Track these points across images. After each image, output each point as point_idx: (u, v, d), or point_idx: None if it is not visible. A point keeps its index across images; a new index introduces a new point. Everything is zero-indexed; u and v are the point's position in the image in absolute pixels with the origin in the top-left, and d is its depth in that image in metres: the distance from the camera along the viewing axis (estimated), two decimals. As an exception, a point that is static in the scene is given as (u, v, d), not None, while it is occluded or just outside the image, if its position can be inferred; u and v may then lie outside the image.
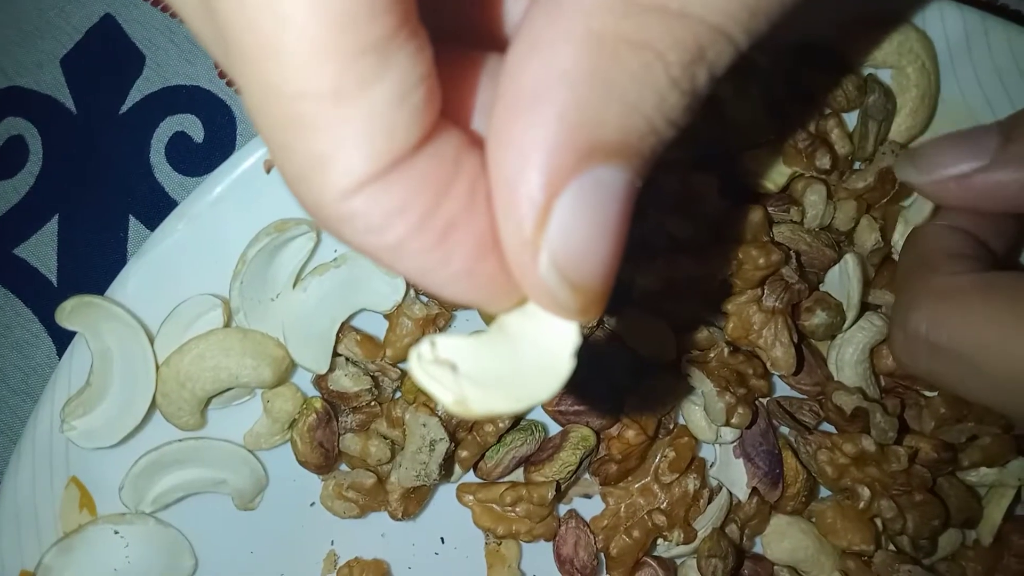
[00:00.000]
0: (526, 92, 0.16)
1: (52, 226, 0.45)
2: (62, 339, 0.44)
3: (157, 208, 0.43)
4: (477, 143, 0.18)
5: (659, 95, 0.16)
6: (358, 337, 0.39)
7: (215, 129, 0.44)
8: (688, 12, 0.16)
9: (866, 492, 0.39)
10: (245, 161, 0.36)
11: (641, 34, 0.16)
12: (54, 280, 0.44)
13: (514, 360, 0.20)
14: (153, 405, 0.37)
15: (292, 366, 0.38)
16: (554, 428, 0.41)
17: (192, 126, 0.44)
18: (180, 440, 0.37)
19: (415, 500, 0.40)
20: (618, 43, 0.16)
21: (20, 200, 0.45)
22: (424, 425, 0.38)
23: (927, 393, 0.42)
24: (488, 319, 0.40)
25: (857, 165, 0.40)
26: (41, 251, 0.45)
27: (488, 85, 0.20)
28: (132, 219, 0.44)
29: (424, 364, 0.19)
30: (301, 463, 0.39)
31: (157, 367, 0.36)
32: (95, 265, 0.44)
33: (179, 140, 0.44)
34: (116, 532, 0.37)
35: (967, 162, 0.32)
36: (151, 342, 0.36)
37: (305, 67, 0.15)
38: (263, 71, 0.15)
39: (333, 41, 0.14)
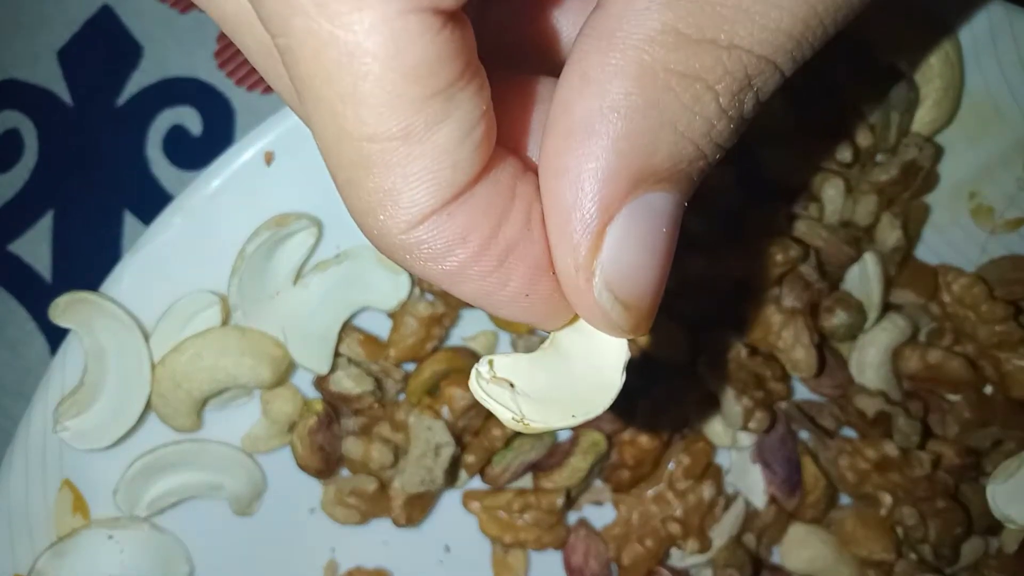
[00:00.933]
0: (579, 122, 0.17)
1: (46, 222, 0.43)
2: (56, 338, 0.43)
3: (153, 203, 0.42)
4: (531, 169, 0.19)
5: (709, 123, 0.17)
6: (360, 337, 0.38)
7: (213, 122, 0.43)
8: (737, 44, 0.17)
9: (888, 499, 0.38)
10: (244, 154, 0.35)
11: (692, 66, 0.17)
12: (48, 277, 0.43)
13: (567, 377, 0.21)
14: (148, 406, 0.35)
15: (292, 366, 0.37)
16: (564, 433, 0.40)
17: (190, 119, 0.43)
18: (176, 442, 0.36)
19: (419, 507, 0.39)
20: (669, 75, 0.17)
21: (14, 195, 0.44)
22: (429, 429, 0.37)
23: (951, 397, 0.40)
24: (499, 323, 0.39)
25: (879, 158, 0.38)
26: (35, 248, 0.43)
27: (541, 111, 0.20)
28: (128, 214, 0.43)
29: (482, 383, 0.20)
30: (301, 467, 0.37)
31: (153, 366, 0.35)
32: (90, 262, 0.43)
33: (176, 133, 0.43)
34: (110, 537, 0.36)
35: None
36: (147, 340, 0.35)
37: (379, 113, 0.16)
38: (338, 117, 0.16)
39: (405, 90, 0.15)
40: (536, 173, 0.18)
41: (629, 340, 0.20)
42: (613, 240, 0.17)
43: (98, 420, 0.35)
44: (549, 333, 0.21)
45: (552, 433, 0.39)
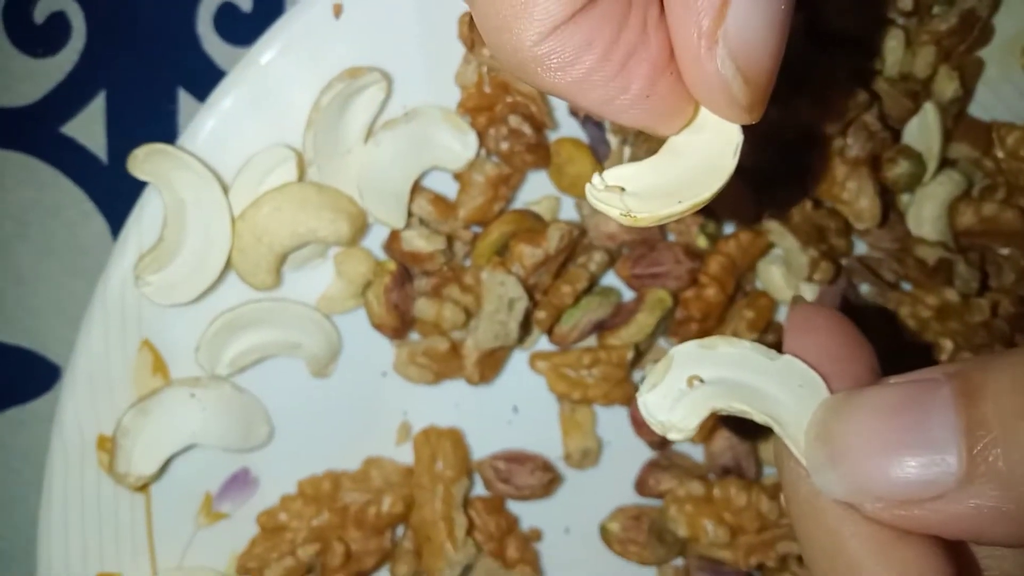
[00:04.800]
0: None
1: (99, 102, 0.43)
2: (115, 218, 0.43)
3: (206, 79, 0.42)
4: None
5: None
6: (431, 196, 0.38)
7: (264, -4, 0.42)
8: None
9: (949, 344, 0.39)
10: (311, 9, 0.35)
11: None
12: (104, 158, 0.43)
13: (678, 171, 0.21)
14: (228, 263, 0.35)
15: (366, 223, 0.37)
16: (628, 293, 0.40)
17: (240, -7, 0.42)
18: (256, 301, 0.36)
19: (491, 364, 0.39)
20: None
21: (64, 78, 0.43)
22: (502, 284, 0.37)
23: (1003, 251, 0.41)
24: (562, 187, 0.39)
25: (936, 10, 0.38)
26: (89, 128, 0.43)
27: None
28: (181, 91, 0.43)
29: (595, 192, 0.21)
30: (376, 326, 0.38)
31: (232, 220, 0.35)
32: (145, 139, 0.42)
33: (227, 9, 0.43)
34: (192, 395, 0.36)
35: (912, 484, 0.18)
36: (225, 194, 0.35)
37: None
38: None
39: None
40: None
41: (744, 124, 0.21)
42: (736, 9, 0.18)
43: (179, 275, 0.35)
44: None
45: (617, 294, 0.40)
